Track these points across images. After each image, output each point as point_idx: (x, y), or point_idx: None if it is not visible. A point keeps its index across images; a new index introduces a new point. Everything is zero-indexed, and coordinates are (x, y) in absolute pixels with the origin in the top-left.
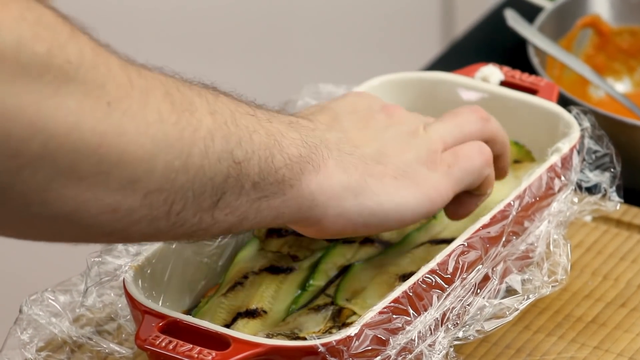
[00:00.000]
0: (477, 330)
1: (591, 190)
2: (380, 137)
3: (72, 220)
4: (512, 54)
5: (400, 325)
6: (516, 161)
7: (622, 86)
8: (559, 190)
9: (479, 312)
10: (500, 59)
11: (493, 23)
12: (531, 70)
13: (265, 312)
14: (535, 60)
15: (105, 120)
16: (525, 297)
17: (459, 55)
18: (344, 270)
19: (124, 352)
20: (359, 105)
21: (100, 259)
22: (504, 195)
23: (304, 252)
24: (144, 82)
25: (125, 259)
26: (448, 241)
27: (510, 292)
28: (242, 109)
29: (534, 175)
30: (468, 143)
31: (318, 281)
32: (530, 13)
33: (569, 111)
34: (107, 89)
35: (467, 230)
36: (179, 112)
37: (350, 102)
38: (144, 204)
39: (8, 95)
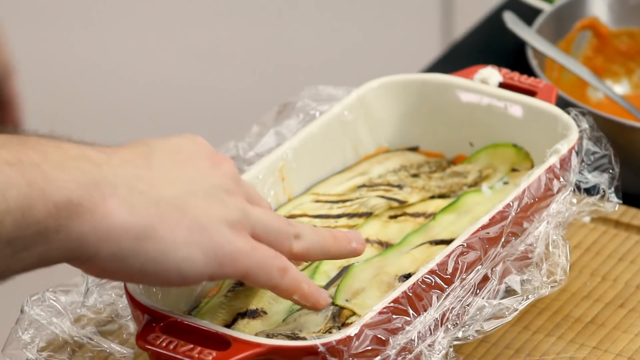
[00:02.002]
0: (477, 331)
1: (590, 191)
2: (192, 183)
3: None
4: (512, 56)
5: (400, 325)
6: (514, 169)
7: (620, 88)
8: (558, 191)
9: (478, 313)
10: (500, 61)
11: (492, 25)
12: (530, 72)
13: (265, 312)
14: (534, 63)
15: None
16: (525, 297)
17: (458, 57)
18: (344, 271)
19: (125, 352)
20: (183, 148)
21: None
22: None
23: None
24: None
25: None
26: (447, 242)
27: (509, 292)
28: (2, 158)
29: (532, 177)
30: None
31: (318, 282)
32: (529, 15)
33: (568, 113)
34: None
35: (467, 231)
36: None
37: (175, 143)
38: None
39: None
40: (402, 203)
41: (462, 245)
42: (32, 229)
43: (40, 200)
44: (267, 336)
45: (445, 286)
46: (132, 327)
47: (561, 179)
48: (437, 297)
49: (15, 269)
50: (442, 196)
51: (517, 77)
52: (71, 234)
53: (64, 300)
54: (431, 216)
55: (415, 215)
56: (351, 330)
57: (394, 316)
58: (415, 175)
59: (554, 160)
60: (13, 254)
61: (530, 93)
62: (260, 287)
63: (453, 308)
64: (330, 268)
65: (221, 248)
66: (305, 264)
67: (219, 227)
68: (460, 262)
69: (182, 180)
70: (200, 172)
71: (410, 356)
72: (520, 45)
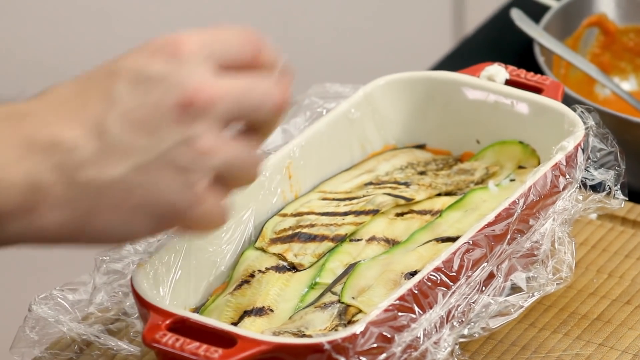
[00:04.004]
0: (483, 328)
1: (596, 188)
2: (145, 153)
3: None
4: (519, 53)
5: (405, 322)
6: (520, 166)
7: (628, 85)
8: (564, 188)
9: (484, 310)
10: (507, 58)
11: (500, 22)
12: (537, 69)
13: (272, 310)
14: (541, 60)
15: None
16: (530, 294)
17: (466, 55)
18: (350, 268)
19: (132, 350)
20: (151, 84)
21: (108, 258)
22: None
23: (309, 259)
24: None
25: (133, 257)
26: (453, 239)
27: (515, 289)
28: None
29: (538, 174)
30: None
31: (324, 279)
32: (536, 12)
33: (574, 110)
34: None
35: (472, 229)
36: None
37: (140, 73)
38: None
39: None
40: (409, 200)
41: (467, 242)
42: None
43: None
44: (273, 334)
45: (451, 283)
46: (139, 325)
47: (567, 176)
48: (443, 295)
49: None
50: (448, 193)
51: (523, 74)
52: (5, 231)
53: (71, 298)
54: (438, 213)
55: (422, 212)
56: (357, 328)
57: (399, 314)
58: (422, 173)
59: (560, 157)
60: None
61: (537, 90)
62: None
63: (459, 305)
64: (336, 265)
65: (163, 215)
66: (312, 260)
67: (165, 196)
68: (465, 260)
69: (135, 150)
70: (159, 132)
71: (415, 353)
72: (527, 42)
